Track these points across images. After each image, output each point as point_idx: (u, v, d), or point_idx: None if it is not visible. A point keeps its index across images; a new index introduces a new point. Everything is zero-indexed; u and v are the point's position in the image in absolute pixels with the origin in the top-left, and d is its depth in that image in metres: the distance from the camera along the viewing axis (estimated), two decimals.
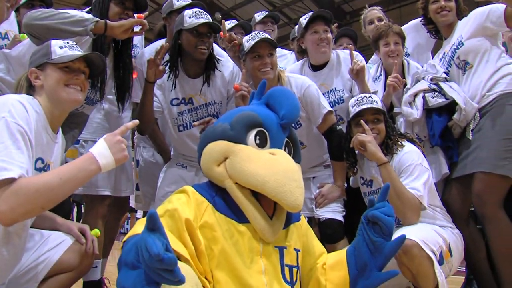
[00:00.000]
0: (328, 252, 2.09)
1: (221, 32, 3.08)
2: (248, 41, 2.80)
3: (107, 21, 2.58)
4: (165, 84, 2.94)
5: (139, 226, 1.58)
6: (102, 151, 1.86)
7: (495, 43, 2.92)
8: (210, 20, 2.82)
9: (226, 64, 3.04)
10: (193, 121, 2.90)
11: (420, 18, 3.39)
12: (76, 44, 2.22)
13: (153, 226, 1.35)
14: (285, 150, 1.95)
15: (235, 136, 1.86)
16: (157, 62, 2.75)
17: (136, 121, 2.04)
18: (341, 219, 2.84)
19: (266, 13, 4.17)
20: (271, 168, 1.77)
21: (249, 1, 18.27)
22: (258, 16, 4.14)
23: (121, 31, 2.60)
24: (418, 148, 2.70)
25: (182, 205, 1.71)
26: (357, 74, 2.99)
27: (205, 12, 2.87)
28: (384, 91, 3.20)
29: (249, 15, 4.29)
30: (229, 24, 3.94)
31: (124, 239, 1.60)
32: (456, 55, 2.99)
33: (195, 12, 2.83)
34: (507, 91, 2.79)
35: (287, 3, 18.15)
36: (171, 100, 2.96)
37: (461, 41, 2.96)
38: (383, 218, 1.86)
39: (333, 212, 2.84)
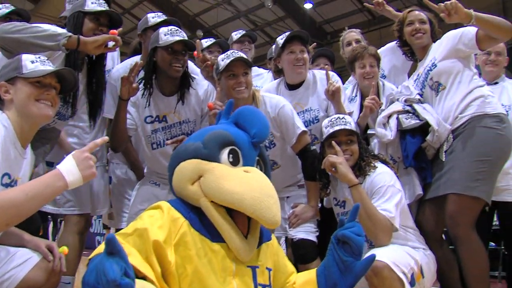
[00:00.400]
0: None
1: (195, 52, 3.07)
2: (223, 60, 2.79)
3: (80, 36, 2.56)
4: (139, 101, 2.92)
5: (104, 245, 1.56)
6: (69, 167, 1.82)
7: (467, 65, 2.96)
8: (185, 38, 2.82)
9: (201, 83, 3.04)
10: (167, 139, 2.88)
11: (397, 41, 3.42)
12: (48, 59, 2.20)
13: (112, 250, 1.35)
14: (256, 168, 1.94)
15: (209, 154, 1.85)
16: (130, 79, 2.73)
17: (106, 138, 2.02)
18: (314, 239, 2.83)
19: (244, 32, 4.17)
20: (247, 185, 1.77)
21: (230, 19, 18.40)
22: (236, 35, 4.15)
23: (94, 46, 2.59)
24: (391, 169, 2.71)
25: (154, 223, 1.69)
26: (333, 95, 2.99)
27: (180, 30, 2.86)
28: (359, 112, 3.22)
29: (230, 33, 4.30)
30: (206, 42, 3.94)
31: (89, 257, 1.57)
32: (430, 77, 3.01)
33: (171, 30, 2.83)
34: (478, 113, 2.82)
35: (269, 22, 18.30)
36: (145, 118, 2.94)
37: (434, 62, 2.99)
38: (353, 238, 1.87)
39: (306, 232, 2.83)
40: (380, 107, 3.15)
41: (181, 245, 1.70)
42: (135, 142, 3.29)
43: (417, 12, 3.18)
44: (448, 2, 2.73)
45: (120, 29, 2.80)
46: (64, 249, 2.28)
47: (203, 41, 3.97)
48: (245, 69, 2.78)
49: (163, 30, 2.83)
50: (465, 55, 2.94)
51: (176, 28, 2.87)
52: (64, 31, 2.55)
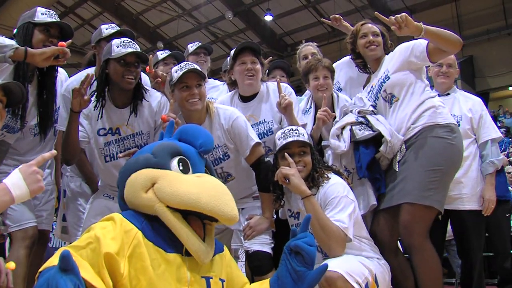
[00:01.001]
0: None
1: (147, 67, 3.05)
2: (176, 72, 2.77)
3: (28, 48, 2.52)
4: (92, 113, 2.87)
5: (56, 258, 1.53)
6: (16, 181, 1.78)
7: (419, 77, 3.02)
8: (138, 50, 2.79)
9: (154, 94, 3.01)
10: (120, 151, 2.84)
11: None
12: None
13: (66, 266, 1.34)
14: None
15: (159, 163, 1.88)
16: (82, 91, 2.67)
17: (54, 152, 1.98)
18: (269, 251, 2.81)
19: (199, 44, 4.17)
20: (202, 185, 1.80)
21: (191, 31, 18.43)
22: (191, 47, 4.14)
23: (42, 58, 2.55)
24: (344, 180, 2.74)
25: (106, 235, 1.66)
26: (285, 109, 3.00)
27: (133, 42, 2.84)
28: (313, 124, 3.23)
29: None
30: (162, 54, 3.93)
31: (40, 269, 1.54)
32: (383, 89, 3.06)
33: (123, 42, 2.79)
34: (430, 124, 2.87)
35: (229, 34, 18.40)
36: (98, 130, 2.89)
37: (387, 75, 3.04)
38: (305, 248, 1.90)
39: (261, 244, 2.81)
40: (334, 119, 3.18)
41: (134, 257, 1.68)
42: (89, 155, 3.24)
43: (370, 25, 3.23)
44: (399, 15, 2.79)
45: (69, 41, 2.76)
46: (11, 264, 2.22)
47: (159, 53, 3.96)
48: (198, 81, 2.77)
49: (115, 42, 2.79)
50: (417, 67, 3.00)
51: (129, 39, 2.84)
52: (11, 42, 2.50)
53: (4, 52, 2.42)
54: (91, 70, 3.14)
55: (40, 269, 1.53)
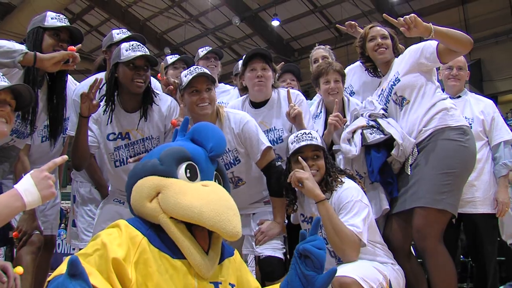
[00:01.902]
0: None
1: (159, 75, 3.04)
2: (186, 76, 2.76)
3: (37, 53, 2.51)
4: (102, 118, 2.86)
5: (65, 266, 1.51)
6: (27, 187, 1.76)
7: (430, 79, 2.99)
8: (147, 53, 2.78)
9: (164, 98, 3.00)
10: (130, 156, 2.84)
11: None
12: (2, 75, 2.14)
13: (75, 272, 1.33)
14: (215, 182, 1.93)
15: (166, 170, 1.84)
16: (90, 96, 2.67)
17: (65, 157, 1.97)
18: (281, 256, 2.79)
19: (210, 48, 4.16)
20: (206, 198, 1.76)
21: (198, 36, 18.44)
22: (202, 51, 4.13)
23: (51, 63, 2.55)
24: (358, 184, 2.71)
25: (112, 242, 1.65)
26: (294, 118, 3.00)
27: (142, 45, 2.82)
28: (324, 129, 3.22)
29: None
30: (172, 58, 3.92)
31: (49, 279, 1.53)
32: (393, 91, 3.04)
33: (132, 45, 2.79)
34: (441, 126, 2.85)
35: (236, 39, 18.40)
36: (108, 135, 2.88)
37: (397, 77, 3.02)
38: (314, 252, 1.87)
39: (273, 249, 2.79)
40: (345, 124, 3.16)
41: (140, 263, 1.67)
42: (99, 160, 3.24)
43: (378, 28, 3.21)
44: (407, 16, 2.77)
45: (79, 45, 2.75)
46: (19, 269, 2.21)
47: (168, 57, 3.96)
48: (208, 85, 2.76)
49: (124, 45, 2.79)
50: (427, 69, 2.98)
51: (138, 43, 2.83)
52: (21, 47, 2.50)
53: (13, 57, 2.42)
54: (101, 75, 3.14)
55: (49, 278, 1.52)
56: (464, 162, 2.84)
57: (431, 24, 2.77)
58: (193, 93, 2.74)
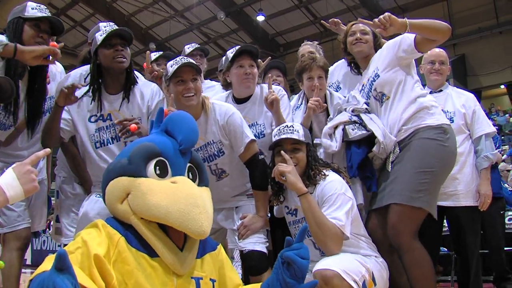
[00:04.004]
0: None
1: (145, 64, 3.04)
2: (172, 66, 2.76)
3: (18, 45, 2.50)
4: (83, 101, 2.86)
5: (48, 263, 1.51)
6: (10, 181, 1.72)
7: (409, 73, 3.00)
8: (120, 28, 2.83)
9: (147, 82, 3.02)
10: (112, 138, 2.84)
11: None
12: None
13: (62, 266, 1.32)
14: (188, 175, 1.93)
15: (134, 170, 1.84)
16: (70, 95, 2.67)
17: (48, 150, 1.96)
18: (264, 250, 2.78)
19: (196, 45, 4.16)
20: (173, 197, 1.76)
21: (183, 32, 18.41)
22: (188, 48, 4.14)
23: (31, 56, 2.54)
24: (343, 178, 2.72)
25: (92, 240, 1.66)
26: (271, 104, 3.00)
27: (114, 24, 2.89)
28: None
29: (183, 46, 4.31)
30: (155, 55, 3.92)
31: (30, 277, 1.52)
32: (373, 87, 3.04)
33: (105, 27, 2.84)
34: (422, 125, 2.85)
35: (222, 34, 18.39)
36: (89, 117, 2.87)
37: (377, 73, 3.02)
38: (297, 261, 1.87)
39: (256, 243, 2.78)
40: (328, 116, 3.18)
41: (119, 262, 1.67)
42: (82, 153, 3.22)
43: (360, 24, 3.21)
44: (382, 16, 2.77)
45: (62, 44, 2.74)
46: (1, 263, 2.20)
47: (152, 54, 3.95)
48: (193, 75, 2.76)
49: (99, 32, 2.84)
50: (407, 62, 2.99)
51: (109, 23, 2.92)
52: (2, 38, 2.48)
53: None
54: (87, 68, 3.13)
55: (31, 276, 1.51)
56: (443, 161, 2.85)
57: (406, 19, 2.78)
58: (179, 83, 2.74)
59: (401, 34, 2.92)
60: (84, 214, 2.93)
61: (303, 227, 2.02)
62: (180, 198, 1.76)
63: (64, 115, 2.82)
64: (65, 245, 3.01)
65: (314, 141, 3.17)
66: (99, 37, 2.77)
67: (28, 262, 10.16)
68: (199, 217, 1.74)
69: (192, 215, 1.73)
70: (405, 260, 2.72)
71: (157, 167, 1.85)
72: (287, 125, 2.78)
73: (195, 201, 1.78)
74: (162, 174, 1.85)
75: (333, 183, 2.62)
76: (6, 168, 1.82)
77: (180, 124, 1.98)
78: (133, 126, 2.62)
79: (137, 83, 2.94)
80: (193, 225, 1.72)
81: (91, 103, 2.84)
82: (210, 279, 1.89)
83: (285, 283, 1.88)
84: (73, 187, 3.38)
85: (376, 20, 2.78)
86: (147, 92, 2.95)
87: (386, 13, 2.77)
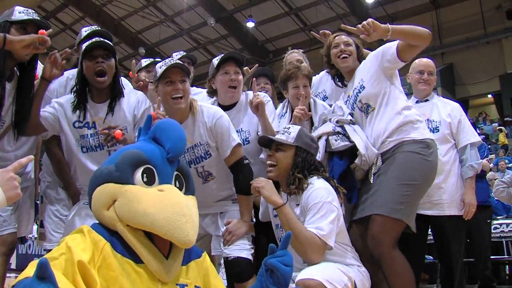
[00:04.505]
0: None
1: (130, 72, 3.03)
2: (160, 67, 2.75)
3: (7, 35, 2.50)
4: (68, 105, 2.87)
5: (31, 269, 1.50)
6: None
7: (393, 83, 3.02)
8: (103, 40, 2.82)
9: (133, 91, 3.02)
10: (96, 145, 2.84)
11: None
12: None
13: (43, 274, 1.31)
14: (175, 184, 1.92)
15: (121, 177, 1.81)
16: (58, 61, 2.71)
17: (31, 157, 1.94)
18: (249, 257, 2.76)
19: (184, 53, 4.17)
20: (159, 205, 1.74)
21: (173, 37, 18.40)
22: (176, 55, 4.15)
23: (21, 46, 2.53)
24: (332, 186, 2.71)
25: (77, 246, 1.64)
26: (256, 108, 3.01)
27: (96, 26, 2.96)
28: None
29: (172, 51, 4.32)
30: (145, 61, 3.92)
31: (13, 283, 1.51)
32: (359, 99, 3.05)
33: (86, 31, 2.97)
34: (406, 139, 2.87)
35: (211, 40, 18.40)
36: (73, 122, 2.87)
37: (362, 84, 3.03)
38: (280, 268, 1.87)
39: (241, 250, 2.76)
40: (312, 125, 3.20)
41: (103, 267, 1.66)
42: (68, 157, 3.20)
43: (343, 36, 3.21)
44: (365, 22, 2.78)
45: (50, 30, 2.73)
46: None
47: (143, 60, 3.95)
48: (182, 76, 2.74)
49: (85, 43, 2.85)
50: (391, 73, 3.01)
51: (97, 37, 2.89)
52: None
53: None
54: (73, 71, 3.14)
55: (13, 282, 1.50)
56: (426, 175, 2.87)
57: (388, 25, 2.80)
58: (167, 84, 2.73)
59: (383, 42, 2.94)
60: (71, 221, 2.91)
61: (287, 234, 2.00)
62: (167, 206, 1.74)
63: (50, 109, 2.83)
64: (49, 250, 3.00)
65: None
66: (83, 46, 2.80)
67: (13, 266, 10.06)
68: (185, 226, 1.73)
69: (178, 224, 1.71)
70: (385, 270, 2.72)
71: (145, 175, 1.83)
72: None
73: (181, 210, 1.76)
74: (149, 182, 1.83)
75: (319, 191, 2.59)
76: None
77: (168, 132, 1.95)
78: (118, 132, 2.61)
79: (123, 95, 2.93)
80: (179, 234, 1.70)
81: (76, 109, 2.85)
82: (195, 286, 1.88)
83: None
84: (57, 192, 3.34)
85: (359, 26, 2.80)
86: (133, 100, 2.95)
87: (369, 19, 2.79)
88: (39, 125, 2.82)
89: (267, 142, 2.81)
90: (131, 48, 18.78)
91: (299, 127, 2.84)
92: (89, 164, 2.84)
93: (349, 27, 2.94)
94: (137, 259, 1.74)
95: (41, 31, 2.66)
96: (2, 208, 1.79)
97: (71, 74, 3.09)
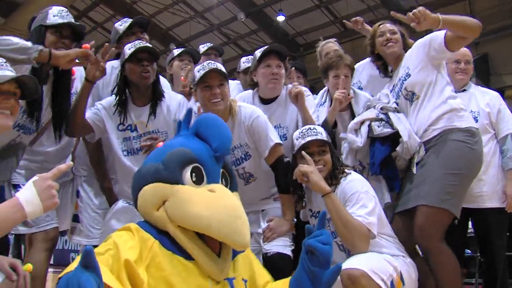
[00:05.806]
0: None
1: (182, 77, 3.18)
2: (199, 71, 2.76)
3: (52, 50, 2.54)
4: (112, 108, 2.91)
5: (76, 264, 1.51)
6: (30, 198, 1.70)
7: (440, 73, 2.98)
8: (148, 45, 2.87)
9: (174, 95, 3.04)
10: (137, 148, 2.87)
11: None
12: (5, 62, 2.13)
13: (88, 263, 1.34)
14: (222, 181, 1.91)
15: (170, 176, 1.81)
16: (100, 63, 2.73)
17: (71, 163, 1.95)
18: (289, 253, 2.77)
19: (210, 45, 4.18)
20: (213, 207, 1.74)
21: (203, 32, 18.40)
22: (203, 47, 4.16)
23: (66, 60, 2.59)
24: (365, 177, 2.69)
25: (124, 244, 1.65)
26: (296, 98, 2.99)
27: (143, 42, 2.91)
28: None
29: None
30: (177, 51, 3.92)
31: (60, 275, 1.52)
32: (404, 86, 3.02)
33: (134, 43, 2.87)
34: (450, 127, 2.83)
35: (242, 35, 18.36)
36: (117, 125, 2.92)
37: (408, 72, 3.01)
38: (319, 247, 1.88)
39: (281, 246, 2.77)
40: (348, 102, 3.20)
41: (152, 266, 1.67)
42: (110, 156, 3.19)
43: (388, 25, 3.20)
44: (416, 10, 2.74)
45: (93, 42, 2.78)
46: (29, 266, 2.19)
47: (175, 50, 3.99)
48: (220, 80, 2.75)
49: (128, 45, 2.89)
50: (437, 62, 2.96)
51: (140, 40, 2.95)
52: (29, 44, 2.51)
53: (29, 54, 2.43)
54: (115, 62, 3.20)
55: (60, 275, 1.51)
56: (471, 164, 2.83)
57: (438, 15, 2.74)
58: (205, 89, 2.73)
59: (432, 31, 2.88)
60: (111, 217, 2.92)
61: (322, 213, 2.02)
62: (221, 208, 1.74)
63: (94, 110, 2.89)
64: (85, 245, 3.01)
65: (340, 136, 3.15)
66: (127, 50, 2.84)
67: (51, 261, 10.21)
68: (242, 228, 1.75)
69: (234, 227, 1.72)
70: (432, 263, 2.69)
71: (193, 174, 1.82)
72: (309, 128, 2.77)
73: (235, 212, 1.78)
74: (198, 181, 1.83)
75: (355, 182, 2.61)
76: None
77: (213, 129, 1.96)
78: (160, 145, 2.62)
79: (164, 97, 2.97)
80: (237, 237, 1.72)
81: (118, 111, 2.91)
82: (242, 279, 1.90)
83: (310, 272, 1.89)
84: (94, 186, 3.35)
85: (410, 13, 2.75)
86: (174, 104, 2.98)
87: (420, 7, 2.74)
88: (86, 126, 2.88)
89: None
90: (161, 45, 18.83)
91: (319, 127, 2.84)
92: (131, 167, 2.86)
93: (399, 14, 2.89)
94: (187, 256, 1.74)
95: (85, 45, 2.72)
96: None
97: (116, 63, 3.15)
